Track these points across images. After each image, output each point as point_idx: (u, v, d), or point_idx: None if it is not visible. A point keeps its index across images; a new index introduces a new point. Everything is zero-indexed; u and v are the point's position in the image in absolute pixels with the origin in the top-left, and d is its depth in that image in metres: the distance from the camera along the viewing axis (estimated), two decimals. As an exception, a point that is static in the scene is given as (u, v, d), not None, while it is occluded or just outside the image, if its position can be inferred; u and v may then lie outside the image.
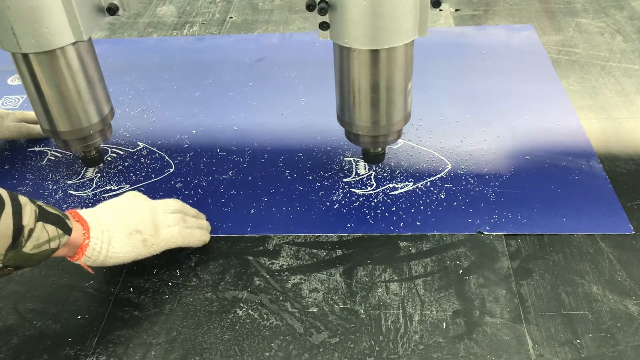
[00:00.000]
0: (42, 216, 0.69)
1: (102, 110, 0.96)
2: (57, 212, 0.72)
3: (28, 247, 0.67)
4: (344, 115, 0.91)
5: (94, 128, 0.95)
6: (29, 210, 0.67)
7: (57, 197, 1.00)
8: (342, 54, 0.85)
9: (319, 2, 0.79)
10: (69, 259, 0.75)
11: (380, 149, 0.97)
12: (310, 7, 0.79)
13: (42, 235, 0.68)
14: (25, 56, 0.86)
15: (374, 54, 0.82)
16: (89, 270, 0.78)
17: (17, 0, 0.79)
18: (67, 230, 0.72)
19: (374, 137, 0.92)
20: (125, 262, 0.79)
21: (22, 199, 0.68)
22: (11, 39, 0.82)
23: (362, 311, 0.78)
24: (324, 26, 0.81)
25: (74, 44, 0.86)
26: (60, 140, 0.96)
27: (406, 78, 0.87)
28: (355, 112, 0.89)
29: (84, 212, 0.78)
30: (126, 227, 0.79)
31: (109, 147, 1.10)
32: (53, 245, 0.70)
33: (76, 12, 0.83)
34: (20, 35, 0.82)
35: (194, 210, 0.91)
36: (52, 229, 0.69)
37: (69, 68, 0.88)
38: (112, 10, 0.88)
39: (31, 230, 0.67)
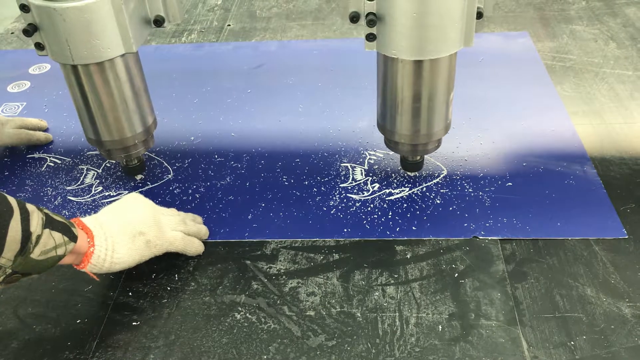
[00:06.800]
0: (49, 223, 0.70)
1: (146, 120, 0.96)
2: (63, 220, 0.73)
3: (36, 253, 0.68)
4: (385, 123, 0.92)
5: (138, 138, 0.96)
6: (36, 217, 0.68)
7: (56, 203, 1.00)
8: (387, 64, 0.86)
9: (368, 14, 0.79)
10: (75, 267, 0.76)
11: (418, 157, 0.98)
12: (354, 19, 0.80)
13: (49, 242, 0.69)
14: (75, 67, 0.86)
15: (420, 64, 0.83)
16: (95, 277, 0.79)
17: (72, 13, 0.80)
18: (73, 238, 0.73)
19: (414, 145, 0.93)
20: (131, 266, 0.80)
21: (30, 207, 0.69)
22: (64, 50, 0.83)
23: (358, 314, 0.78)
24: (370, 37, 0.82)
25: (122, 55, 0.87)
26: (104, 149, 0.96)
27: (449, 88, 0.88)
28: (397, 120, 0.90)
29: (87, 220, 0.78)
30: (129, 230, 0.80)
31: (108, 153, 1.11)
32: (60, 252, 0.70)
33: (127, 25, 0.84)
34: (73, 47, 0.83)
35: (191, 215, 0.92)
36: (58, 236, 0.70)
37: (117, 79, 0.89)
38: (158, 22, 0.89)
39: (38, 237, 0.68)
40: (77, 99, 0.91)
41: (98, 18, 0.81)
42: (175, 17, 0.89)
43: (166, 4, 0.88)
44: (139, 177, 1.05)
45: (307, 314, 0.79)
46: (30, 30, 0.83)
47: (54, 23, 0.81)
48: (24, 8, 0.82)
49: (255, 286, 0.83)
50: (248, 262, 0.87)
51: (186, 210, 0.94)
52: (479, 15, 0.80)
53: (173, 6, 0.89)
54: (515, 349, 0.73)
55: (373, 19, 0.79)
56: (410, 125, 0.90)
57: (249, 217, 0.95)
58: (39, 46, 0.86)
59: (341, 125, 1.15)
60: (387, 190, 0.98)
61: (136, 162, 1.02)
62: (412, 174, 1.01)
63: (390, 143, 0.95)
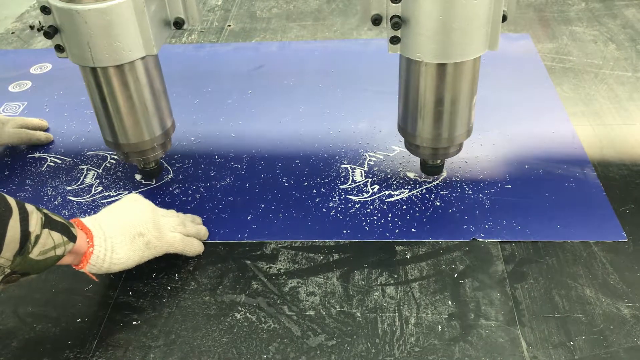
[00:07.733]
0: (48, 223, 0.70)
1: (165, 123, 0.96)
2: (62, 220, 0.73)
3: (34, 253, 0.68)
4: (407, 126, 0.92)
5: (157, 141, 0.95)
6: (35, 217, 0.68)
7: (56, 202, 1.00)
8: (410, 67, 0.85)
9: (392, 17, 0.78)
10: (74, 267, 0.76)
11: (439, 161, 0.97)
12: (376, 22, 0.79)
13: (47, 242, 0.69)
14: (94, 69, 0.85)
15: (444, 67, 0.82)
16: (94, 278, 0.79)
17: (94, 15, 0.79)
18: (72, 238, 0.73)
19: (435, 149, 0.92)
20: (130, 267, 0.80)
21: (29, 207, 0.69)
22: (85, 53, 0.82)
23: (358, 314, 0.79)
24: (394, 40, 0.81)
25: (142, 58, 0.86)
26: (122, 152, 0.96)
27: (472, 92, 0.87)
28: (419, 123, 0.89)
29: (87, 221, 0.79)
30: (129, 231, 0.80)
31: (108, 153, 1.11)
32: (58, 252, 0.71)
33: (149, 27, 0.83)
34: (95, 50, 0.82)
35: (190, 216, 0.92)
36: (57, 236, 0.70)
37: (137, 81, 0.88)
38: (178, 24, 0.88)
39: (37, 237, 0.68)
40: (96, 102, 0.90)
41: (120, 20, 0.81)
42: (194, 19, 0.89)
43: (186, 6, 0.88)
44: (138, 177, 1.05)
45: (307, 313, 0.79)
46: (50, 32, 0.82)
47: (75, 25, 0.80)
48: (45, 10, 0.81)
49: (255, 286, 0.84)
50: (248, 262, 0.87)
51: (186, 211, 0.94)
52: (504, 18, 0.79)
53: (193, 8, 0.88)
54: (514, 349, 0.73)
55: (398, 22, 0.78)
56: (432, 128, 0.89)
57: (249, 218, 0.95)
58: (59, 48, 0.85)
59: (341, 126, 1.15)
60: (387, 192, 0.98)
61: (153, 165, 1.01)
62: (412, 176, 1.01)
63: (411, 146, 0.95)
